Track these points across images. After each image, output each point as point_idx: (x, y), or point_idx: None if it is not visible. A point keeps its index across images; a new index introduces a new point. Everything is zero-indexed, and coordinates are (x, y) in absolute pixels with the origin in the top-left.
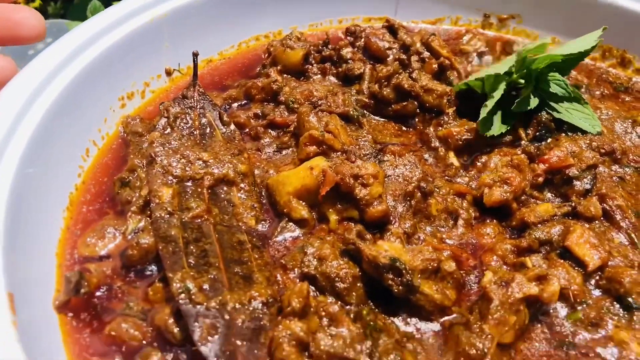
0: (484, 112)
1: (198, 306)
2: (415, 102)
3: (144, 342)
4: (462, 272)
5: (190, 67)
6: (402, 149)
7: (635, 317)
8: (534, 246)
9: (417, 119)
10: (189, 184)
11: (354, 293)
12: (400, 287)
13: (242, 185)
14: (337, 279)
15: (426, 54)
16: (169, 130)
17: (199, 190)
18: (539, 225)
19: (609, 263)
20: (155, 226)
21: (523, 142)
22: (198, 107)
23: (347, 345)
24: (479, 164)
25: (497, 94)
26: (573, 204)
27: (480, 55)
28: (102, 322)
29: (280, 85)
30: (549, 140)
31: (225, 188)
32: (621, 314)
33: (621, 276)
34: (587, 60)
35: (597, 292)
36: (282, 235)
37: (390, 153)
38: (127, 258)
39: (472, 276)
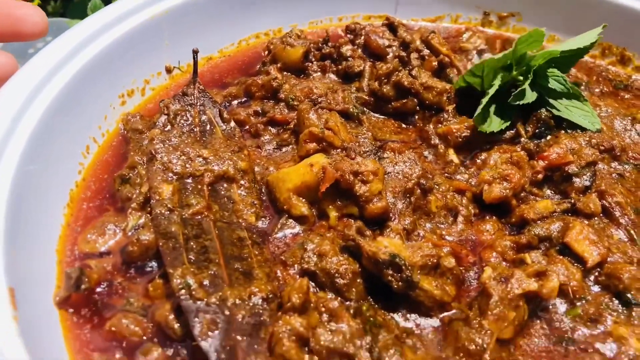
0: (479, 107)
1: (198, 302)
2: (415, 100)
3: (145, 337)
4: (461, 268)
5: (190, 65)
6: (402, 146)
7: (634, 313)
8: (533, 242)
9: (416, 116)
10: (189, 180)
11: (353, 289)
12: (400, 283)
13: (242, 182)
14: (337, 275)
15: (426, 51)
16: (169, 127)
17: (199, 187)
18: (539, 221)
19: (608, 259)
20: (155, 223)
21: (522, 139)
22: (198, 104)
23: (347, 340)
24: (478, 161)
25: (493, 89)
26: (572, 201)
27: (480, 52)
28: (102, 318)
29: (280, 82)
30: (549, 137)
31: (225, 185)
32: (620, 310)
33: (620, 272)
34: (586, 58)
35: (596, 288)
36: (282, 232)
37: (390, 150)
38: (127, 254)
39: (471, 272)
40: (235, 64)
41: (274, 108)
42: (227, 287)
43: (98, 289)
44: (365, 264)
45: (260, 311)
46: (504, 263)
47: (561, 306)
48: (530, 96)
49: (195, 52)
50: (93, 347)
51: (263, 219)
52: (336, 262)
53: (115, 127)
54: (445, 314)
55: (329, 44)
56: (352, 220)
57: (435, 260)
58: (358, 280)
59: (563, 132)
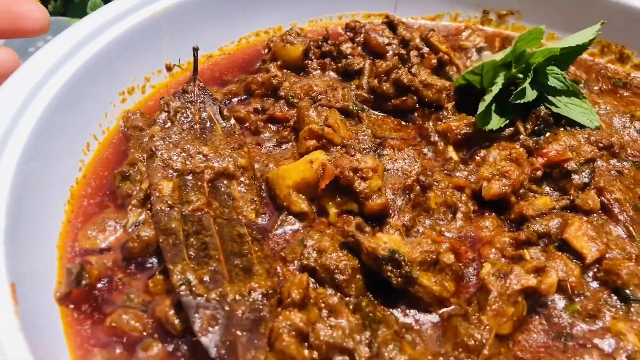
0: (482, 107)
1: (198, 298)
2: (415, 97)
3: (145, 333)
4: (460, 264)
5: (190, 63)
6: (402, 143)
7: (632, 309)
8: (532, 239)
9: (416, 114)
10: (189, 177)
11: (353, 285)
12: (399, 279)
13: (242, 178)
14: (336, 270)
15: (425, 49)
16: (169, 124)
17: (199, 183)
18: (538, 218)
19: (607, 255)
20: (155, 219)
21: (522, 136)
22: (198, 101)
23: (346, 335)
24: (477, 157)
25: (495, 88)
26: (571, 197)
27: (479, 50)
28: (103, 313)
29: (280, 80)
30: (548, 134)
31: (225, 182)
32: (618, 306)
33: (619, 268)
34: (585, 55)
35: (594, 284)
36: (282, 228)
37: (389, 147)
38: (127, 250)
39: (470, 268)
40: (236, 62)
41: (274, 105)
42: (227, 283)
43: (98, 285)
44: (364, 260)
45: (260, 307)
46: (503, 259)
47: (560, 302)
48: (531, 95)
49: (195, 50)
50: (93, 342)
51: (263, 215)
52: (336, 258)
53: (116, 124)
54: (445, 309)
55: (329, 41)
56: (352, 217)
57: (434, 256)
58: (357, 276)
59: (562, 129)
